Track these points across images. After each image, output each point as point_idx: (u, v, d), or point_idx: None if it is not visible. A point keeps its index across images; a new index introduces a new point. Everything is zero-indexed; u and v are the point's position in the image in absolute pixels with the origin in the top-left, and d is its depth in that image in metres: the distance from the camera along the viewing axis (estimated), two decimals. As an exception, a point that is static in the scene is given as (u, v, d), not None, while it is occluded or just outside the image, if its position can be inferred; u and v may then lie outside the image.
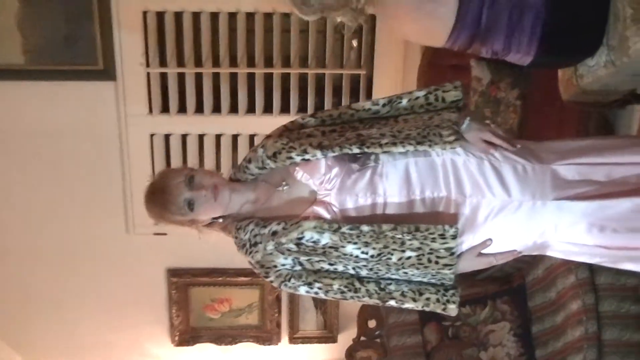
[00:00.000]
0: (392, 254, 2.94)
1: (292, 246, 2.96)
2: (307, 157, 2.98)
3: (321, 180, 3.03)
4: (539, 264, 5.01)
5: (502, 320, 5.20)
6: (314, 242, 2.93)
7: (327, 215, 3.02)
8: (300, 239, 2.93)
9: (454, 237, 2.93)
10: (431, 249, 2.93)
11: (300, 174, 3.04)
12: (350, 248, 2.94)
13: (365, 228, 2.92)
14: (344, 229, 2.92)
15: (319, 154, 2.96)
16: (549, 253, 3.25)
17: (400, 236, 2.92)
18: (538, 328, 5.05)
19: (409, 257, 2.95)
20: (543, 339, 5.00)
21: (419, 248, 2.93)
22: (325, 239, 2.92)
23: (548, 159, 3.13)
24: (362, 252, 2.94)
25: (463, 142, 3.02)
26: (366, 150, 2.96)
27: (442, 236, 2.91)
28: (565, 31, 3.67)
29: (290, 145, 3.00)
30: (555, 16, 3.59)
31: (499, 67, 5.28)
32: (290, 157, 2.99)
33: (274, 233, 2.98)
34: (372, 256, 2.95)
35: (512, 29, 3.60)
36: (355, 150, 2.96)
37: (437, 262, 2.96)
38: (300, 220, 2.96)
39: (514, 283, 5.20)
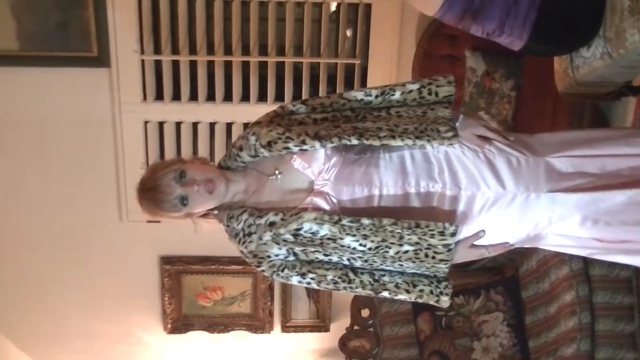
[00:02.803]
0: (390, 248, 2.95)
1: (289, 237, 2.95)
2: (305, 147, 2.95)
3: (320, 170, 3.02)
4: (532, 255, 5.03)
5: (495, 310, 5.21)
6: (312, 233, 2.92)
7: (326, 207, 3.00)
8: (299, 229, 2.91)
9: (453, 234, 2.93)
10: (429, 245, 2.94)
11: (298, 162, 3.01)
12: (348, 240, 2.93)
13: (365, 221, 2.91)
14: (344, 222, 2.91)
15: (317, 144, 2.93)
16: (541, 246, 3.27)
17: (399, 231, 2.91)
18: (531, 319, 5.07)
19: (406, 251, 2.96)
20: (536, 329, 5.03)
21: (417, 243, 2.94)
22: (325, 230, 2.91)
23: (542, 152, 3.13)
24: (360, 245, 2.94)
25: (460, 138, 3.01)
26: (365, 142, 2.94)
27: (442, 233, 2.92)
28: (559, 20, 3.69)
29: (287, 135, 2.95)
30: (550, 4, 3.60)
31: (494, 58, 5.29)
32: (287, 148, 2.96)
33: (272, 224, 2.96)
34: (369, 249, 2.95)
35: (507, 10, 3.62)
36: (354, 142, 2.94)
37: (433, 257, 2.97)
38: (300, 212, 2.94)
39: (507, 274, 5.22)
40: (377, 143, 2.95)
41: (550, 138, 3.25)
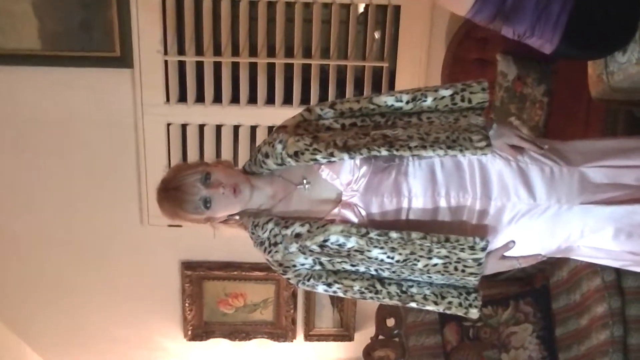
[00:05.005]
0: (418, 261, 2.90)
1: (316, 248, 2.90)
2: (333, 159, 2.90)
3: (349, 181, 2.97)
4: (563, 265, 4.97)
5: (524, 322, 5.17)
6: (339, 245, 2.88)
7: (354, 219, 2.96)
8: (325, 241, 2.87)
9: (484, 249, 2.88)
10: (459, 258, 2.89)
11: (326, 172, 2.97)
12: (376, 252, 2.89)
13: (394, 235, 2.87)
14: (372, 234, 2.87)
15: (346, 156, 2.89)
16: (573, 257, 3.22)
17: (428, 244, 2.87)
18: (562, 331, 5.00)
19: (435, 264, 2.91)
20: (567, 342, 4.96)
21: (446, 256, 2.89)
22: (352, 242, 2.87)
23: (576, 161, 3.08)
24: (388, 257, 2.90)
25: (493, 147, 2.94)
26: (395, 152, 2.89)
27: (472, 247, 2.88)
28: (591, 25, 3.68)
29: (315, 147, 2.90)
30: (582, 8, 3.59)
31: (525, 62, 5.22)
32: (315, 159, 2.91)
33: (298, 235, 2.93)
34: (397, 261, 2.90)
35: (539, 13, 3.66)
36: (384, 153, 2.89)
37: (463, 271, 2.93)
38: (326, 224, 2.90)
39: (537, 284, 5.18)
40: (407, 154, 2.91)
41: (584, 146, 3.19)
